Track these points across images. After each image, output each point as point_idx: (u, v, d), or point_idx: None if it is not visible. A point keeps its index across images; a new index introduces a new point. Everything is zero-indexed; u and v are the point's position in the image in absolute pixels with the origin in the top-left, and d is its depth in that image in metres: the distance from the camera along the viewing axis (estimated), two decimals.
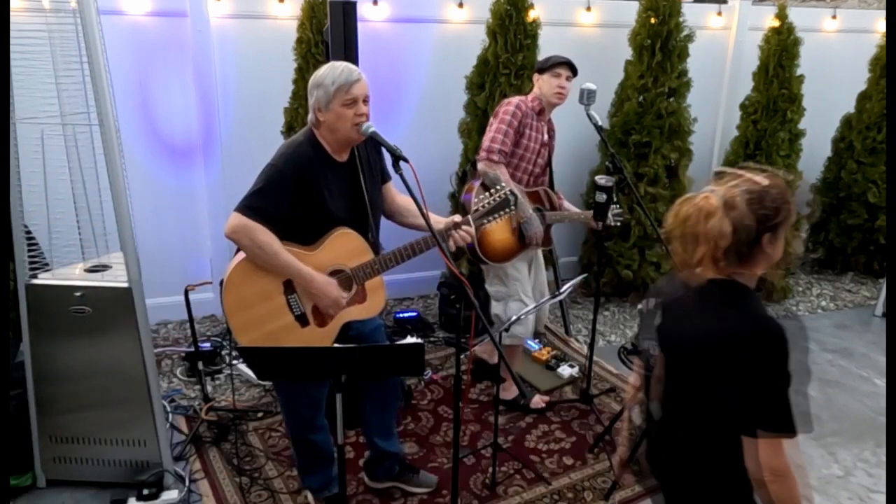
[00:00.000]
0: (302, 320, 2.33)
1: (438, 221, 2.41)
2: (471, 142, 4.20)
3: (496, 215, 2.43)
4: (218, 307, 4.36)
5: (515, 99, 3.25)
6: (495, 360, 3.66)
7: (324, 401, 2.58)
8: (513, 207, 2.44)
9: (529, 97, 3.30)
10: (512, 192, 2.43)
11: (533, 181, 3.34)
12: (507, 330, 2.98)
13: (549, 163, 3.44)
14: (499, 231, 3.17)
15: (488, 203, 2.42)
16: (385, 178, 2.54)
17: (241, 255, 2.28)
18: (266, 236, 2.18)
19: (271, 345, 2.27)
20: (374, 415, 2.73)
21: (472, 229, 2.39)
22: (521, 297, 3.32)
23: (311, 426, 2.58)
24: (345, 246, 2.32)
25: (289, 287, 2.30)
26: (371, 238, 2.40)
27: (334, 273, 2.34)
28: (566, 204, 3.53)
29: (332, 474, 2.65)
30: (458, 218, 2.42)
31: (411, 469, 2.85)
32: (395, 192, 2.57)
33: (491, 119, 3.25)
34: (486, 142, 3.15)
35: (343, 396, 2.00)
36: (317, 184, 2.25)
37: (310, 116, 2.29)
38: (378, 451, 2.76)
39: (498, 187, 2.43)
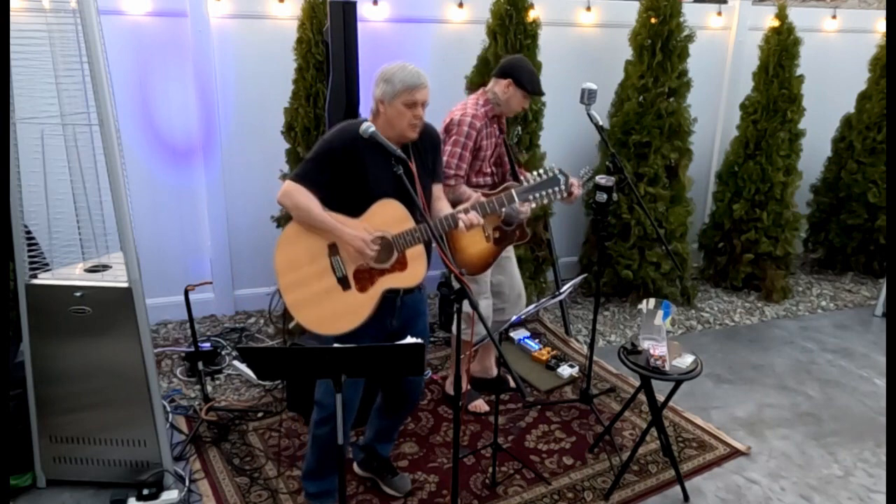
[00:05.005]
0: (344, 283, 2.39)
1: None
2: None
3: (542, 193, 2.52)
4: (218, 307, 4.37)
5: (468, 116, 3.07)
6: (492, 374, 3.66)
7: (356, 404, 2.58)
8: (562, 187, 2.52)
9: (481, 102, 3.14)
10: (562, 172, 2.52)
11: (500, 179, 3.30)
12: (507, 331, 2.97)
13: (508, 156, 3.34)
14: (474, 244, 3.17)
15: (535, 179, 2.51)
16: (436, 178, 2.58)
17: None
18: (305, 198, 2.31)
19: (315, 305, 2.37)
20: (383, 421, 2.78)
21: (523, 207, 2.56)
22: (489, 294, 3.33)
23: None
24: (387, 213, 2.39)
25: (333, 249, 2.39)
26: (418, 220, 2.39)
27: (376, 240, 2.39)
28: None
29: (334, 486, 2.62)
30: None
31: (391, 470, 2.88)
32: (437, 196, 2.59)
33: (444, 136, 3.07)
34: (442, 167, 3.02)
35: (344, 396, 2.00)
36: (362, 161, 2.34)
37: (371, 105, 2.41)
38: (370, 449, 2.84)
39: (546, 168, 2.52)
